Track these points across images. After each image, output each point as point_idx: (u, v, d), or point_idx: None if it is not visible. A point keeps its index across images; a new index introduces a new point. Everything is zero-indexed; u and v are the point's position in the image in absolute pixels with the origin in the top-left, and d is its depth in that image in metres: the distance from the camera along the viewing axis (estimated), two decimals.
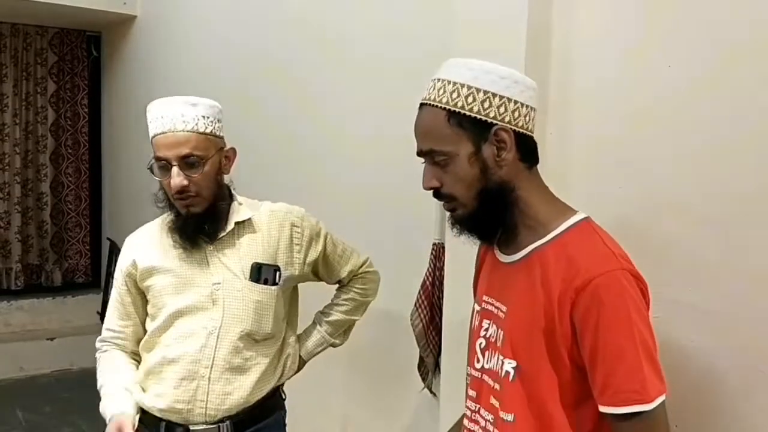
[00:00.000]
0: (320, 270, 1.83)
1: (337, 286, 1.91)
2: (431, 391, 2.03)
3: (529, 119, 1.17)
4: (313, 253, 1.78)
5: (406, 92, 2.16)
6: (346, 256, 1.85)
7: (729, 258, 1.25)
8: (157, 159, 1.60)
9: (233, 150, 1.72)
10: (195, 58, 3.76)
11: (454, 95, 1.14)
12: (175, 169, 1.58)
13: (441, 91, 1.16)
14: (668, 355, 1.32)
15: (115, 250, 5.00)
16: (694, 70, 1.30)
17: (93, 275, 5.46)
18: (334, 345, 1.90)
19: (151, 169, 1.64)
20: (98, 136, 5.40)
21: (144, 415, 1.69)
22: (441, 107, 1.15)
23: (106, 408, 1.67)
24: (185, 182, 1.58)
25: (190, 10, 3.84)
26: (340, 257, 1.84)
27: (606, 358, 1.06)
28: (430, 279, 1.96)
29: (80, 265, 5.42)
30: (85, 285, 5.40)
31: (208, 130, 1.62)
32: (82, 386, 4.71)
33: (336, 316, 1.88)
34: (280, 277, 1.71)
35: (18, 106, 5.07)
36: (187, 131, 1.59)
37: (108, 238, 5.20)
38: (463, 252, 1.78)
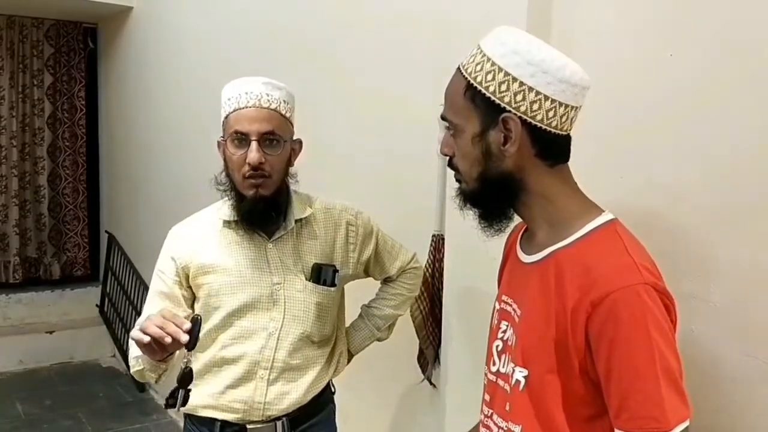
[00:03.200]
0: (371, 267, 1.80)
1: (380, 280, 1.88)
2: (431, 383, 2.03)
3: (554, 115, 1.04)
4: (367, 252, 1.76)
5: (405, 88, 2.16)
6: (395, 252, 1.82)
7: (731, 249, 1.24)
8: (236, 133, 1.53)
9: (300, 142, 1.67)
10: (191, 48, 3.74)
11: (478, 68, 1.06)
12: (254, 144, 1.52)
13: (472, 59, 1.08)
14: None
15: (113, 243, 5.00)
16: (697, 60, 1.29)
17: (92, 268, 5.46)
18: (380, 339, 1.88)
19: (219, 147, 1.60)
20: (95, 129, 5.39)
21: (196, 415, 1.67)
22: (464, 76, 1.08)
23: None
24: (263, 159, 1.53)
25: (186, 0, 3.82)
26: (390, 253, 1.81)
27: (622, 379, 0.97)
28: (429, 271, 1.96)
29: (79, 258, 5.41)
30: (83, 278, 5.40)
31: (288, 115, 1.59)
32: (82, 379, 4.73)
33: (385, 310, 1.85)
34: (337, 277, 1.68)
35: (15, 98, 5.05)
36: (271, 110, 1.55)
37: (106, 231, 5.19)
38: (462, 244, 1.78)
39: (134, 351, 1.56)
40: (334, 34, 2.51)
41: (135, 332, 1.37)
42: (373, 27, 2.29)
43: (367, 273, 1.82)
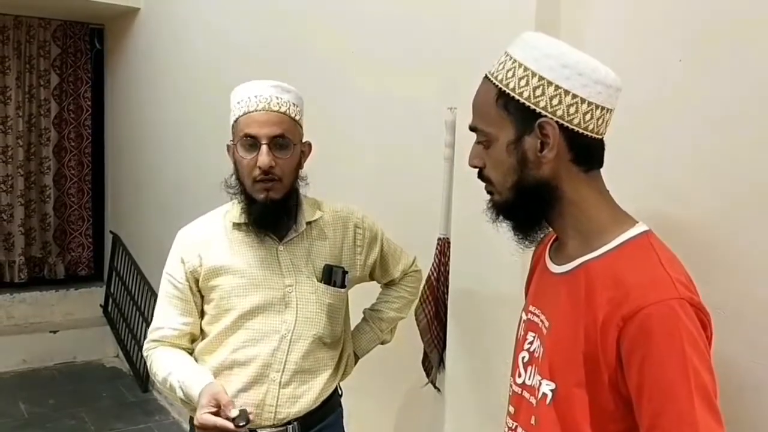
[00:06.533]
0: (376, 271, 1.81)
1: (383, 284, 1.89)
2: (435, 387, 2.03)
3: (591, 118, 1.03)
4: (373, 255, 1.77)
5: (410, 88, 2.16)
6: (397, 255, 1.84)
7: (732, 253, 1.24)
8: (246, 136, 1.54)
9: (309, 145, 1.67)
10: (197, 50, 3.75)
11: (509, 74, 1.04)
12: (264, 148, 1.52)
13: (501, 66, 1.06)
14: None
15: (118, 244, 5.00)
16: (705, 64, 1.29)
17: (96, 268, 5.46)
18: (384, 342, 1.89)
19: (229, 151, 1.60)
20: (101, 129, 5.40)
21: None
22: (495, 84, 1.06)
23: (192, 386, 1.52)
24: (273, 162, 1.53)
25: (192, 2, 3.83)
26: (393, 257, 1.83)
27: (654, 396, 0.94)
28: (435, 274, 1.95)
29: (83, 257, 5.42)
30: (88, 278, 5.40)
31: (297, 118, 1.59)
32: (85, 379, 4.73)
33: (389, 313, 1.86)
34: (347, 278, 1.69)
35: (21, 98, 5.06)
36: (281, 113, 1.55)
37: (111, 231, 5.20)
38: (468, 247, 1.78)
39: (172, 378, 1.58)
40: (339, 35, 2.51)
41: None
42: (381, 25, 2.29)
43: (371, 277, 1.83)
